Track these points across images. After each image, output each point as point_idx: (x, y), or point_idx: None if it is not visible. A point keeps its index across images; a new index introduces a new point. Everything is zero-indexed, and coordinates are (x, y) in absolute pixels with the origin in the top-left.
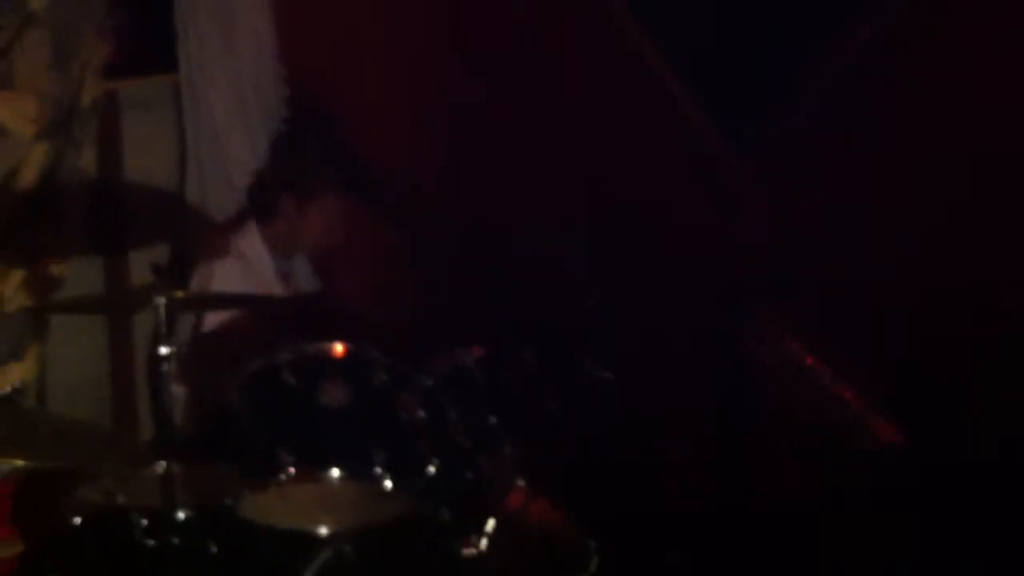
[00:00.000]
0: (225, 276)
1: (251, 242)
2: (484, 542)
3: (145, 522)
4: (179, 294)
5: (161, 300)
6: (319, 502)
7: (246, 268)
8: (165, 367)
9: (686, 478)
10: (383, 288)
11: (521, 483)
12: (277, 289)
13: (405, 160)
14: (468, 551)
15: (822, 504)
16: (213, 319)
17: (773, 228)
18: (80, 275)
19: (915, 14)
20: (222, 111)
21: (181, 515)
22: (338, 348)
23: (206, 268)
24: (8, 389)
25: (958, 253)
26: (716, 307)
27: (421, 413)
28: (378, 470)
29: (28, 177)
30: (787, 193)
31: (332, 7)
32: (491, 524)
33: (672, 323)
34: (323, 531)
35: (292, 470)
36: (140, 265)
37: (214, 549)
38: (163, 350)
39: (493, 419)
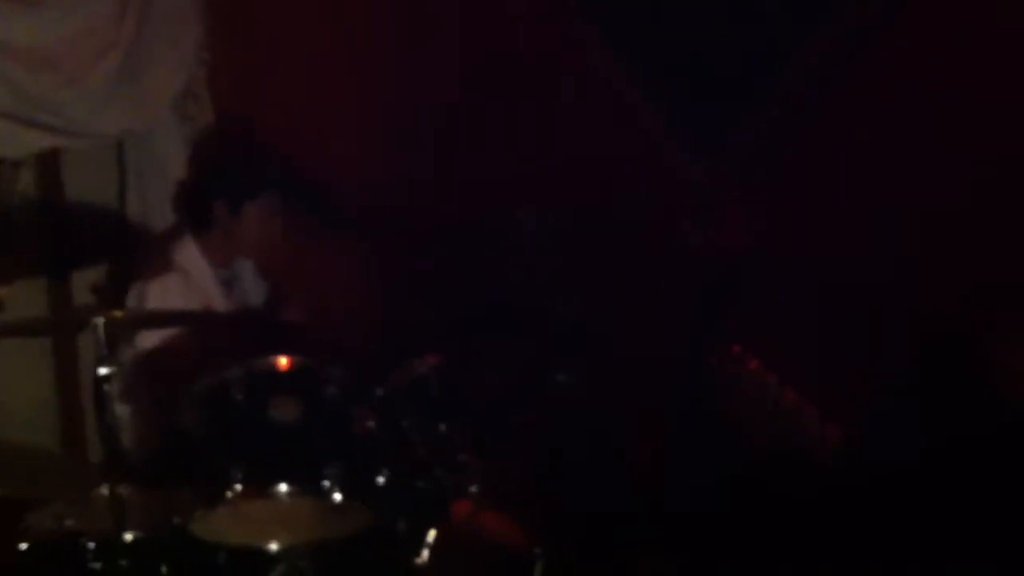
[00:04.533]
0: (166, 291)
1: (189, 255)
2: (426, 553)
3: (92, 545)
4: (119, 314)
5: (100, 320)
6: (271, 518)
7: (187, 281)
8: (107, 387)
9: (655, 482)
10: (341, 300)
11: (474, 492)
12: (220, 299)
13: (373, 169)
14: (418, 561)
15: (795, 505)
16: (158, 337)
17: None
18: (23, 297)
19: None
20: (161, 125)
21: (128, 536)
22: (287, 362)
23: (145, 284)
24: None
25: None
26: (697, 314)
27: (372, 424)
28: (327, 484)
29: None
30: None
31: (285, 14)
32: (432, 535)
33: (652, 329)
34: (276, 547)
35: (239, 487)
36: (83, 286)
37: (165, 570)
38: (103, 370)
39: (444, 427)
